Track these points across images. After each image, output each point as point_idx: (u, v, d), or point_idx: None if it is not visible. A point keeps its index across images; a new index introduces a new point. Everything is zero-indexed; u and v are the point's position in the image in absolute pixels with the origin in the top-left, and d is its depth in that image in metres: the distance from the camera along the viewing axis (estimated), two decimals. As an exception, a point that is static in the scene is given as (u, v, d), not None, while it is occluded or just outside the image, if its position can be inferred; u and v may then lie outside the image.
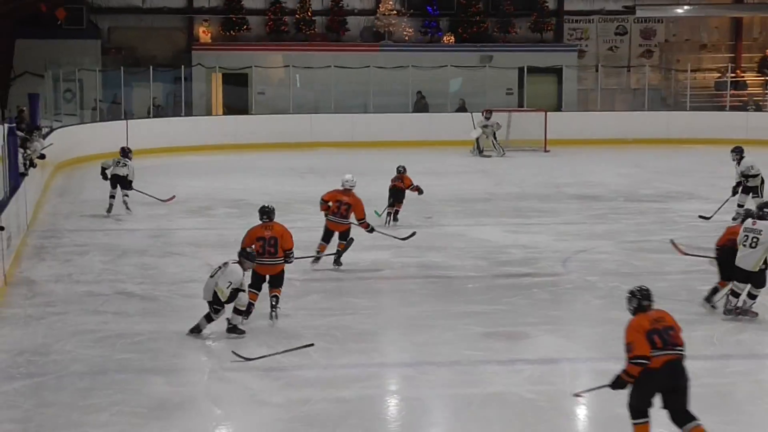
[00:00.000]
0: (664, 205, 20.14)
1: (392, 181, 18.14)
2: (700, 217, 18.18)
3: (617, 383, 8.02)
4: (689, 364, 10.15)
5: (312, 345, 10.64)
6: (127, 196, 19.25)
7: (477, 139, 28.52)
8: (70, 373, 9.91)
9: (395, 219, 17.73)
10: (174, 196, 19.79)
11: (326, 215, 14.54)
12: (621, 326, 11.37)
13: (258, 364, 10.19)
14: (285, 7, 34.15)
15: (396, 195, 17.99)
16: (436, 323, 11.68)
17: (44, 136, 22.58)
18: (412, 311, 12.38)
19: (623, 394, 8.82)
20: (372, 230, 14.86)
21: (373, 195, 21.03)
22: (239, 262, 11.12)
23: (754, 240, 11.69)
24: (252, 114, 32.29)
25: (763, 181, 17.98)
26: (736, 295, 11.89)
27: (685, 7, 35.65)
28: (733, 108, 33.48)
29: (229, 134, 30.09)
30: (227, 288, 10.92)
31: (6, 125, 16.63)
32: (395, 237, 15.72)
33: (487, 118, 28.65)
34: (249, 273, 11.33)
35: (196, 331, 11.17)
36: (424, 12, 34.87)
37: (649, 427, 7.94)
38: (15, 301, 12.75)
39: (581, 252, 15.64)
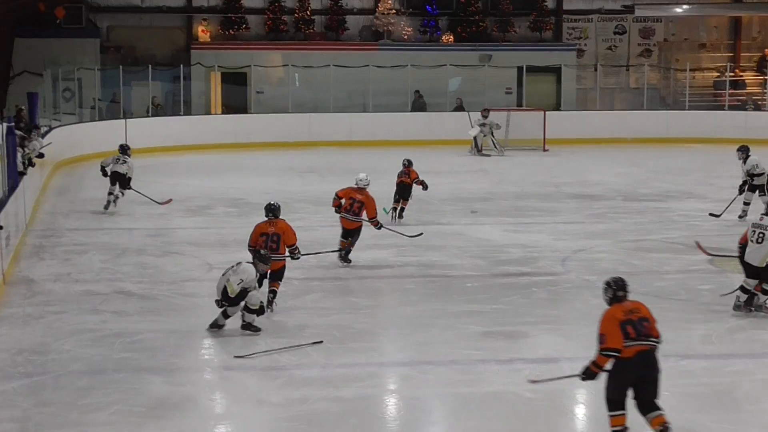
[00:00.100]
0: (662, 204, 20.15)
1: (398, 176, 18.12)
2: (710, 215, 18.23)
3: (587, 374, 8.11)
4: (688, 364, 10.23)
5: (321, 342, 10.73)
6: (122, 194, 19.29)
7: (475, 138, 28.52)
8: (69, 373, 9.91)
9: (400, 216, 17.71)
10: (171, 200, 19.71)
11: (336, 211, 14.65)
12: (620, 325, 11.43)
13: (257, 364, 10.19)
14: (284, 6, 34.12)
15: (403, 191, 17.98)
16: (435, 322, 11.68)
17: (43, 135, 22.59)
18: (411, 310, 12.38)
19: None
20: (380, 227, 14.89)
21: (373, 194, 21.09)
22: (253, 263, 11.15)
23: (761, 236, 11.71)
24: (251, 113, 32.29)
25: None
26: (746, 291, 11.91)
27: (684, 7, 35.63)
28: (731, 107, 33.49)
29: (228, 133, 30.08)
30: (237, 285, 10.96)
31: (5, 124, 16.62)
32: (403, 234, 15.80)
33: (485, 117, 28.65)
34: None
35: (215, 326, 11.22)
36: (423, 11, 34.86)
37: (625, 419, 8.01)
38: (14, 300, 12.74)
39: (580, 251, 15.64)
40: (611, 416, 8.04)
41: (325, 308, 12.32)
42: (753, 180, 18.03)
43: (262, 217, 18.54)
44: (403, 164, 18.35)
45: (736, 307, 11.97)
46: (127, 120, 28.85)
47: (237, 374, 10.02)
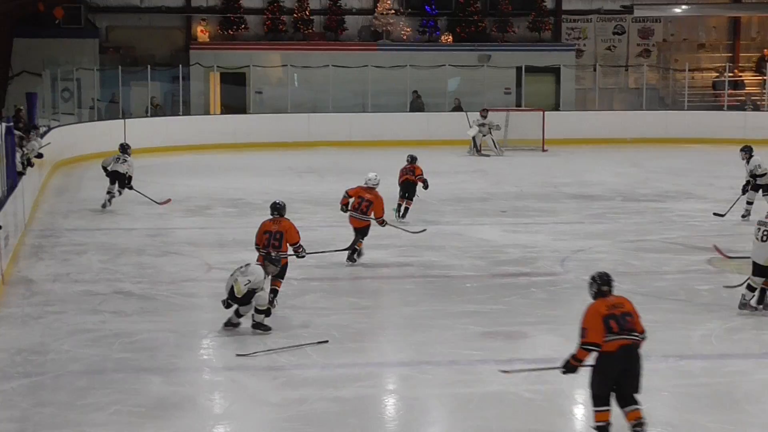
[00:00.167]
0: (662, 204, 20.15)
1: (403, 173, 18.07)
2: (715, 214, 18.27)
3: (567, 367, 8.22)
4: (687, 364, 10.23)
5: (326, 341, 10.75)
6: (119, 193, 19.34)
7: (474, 138, 28.51)
8: (68, 373, 9.91)
9: (403, 216, 17.68)
10: (170, 200, 19.73)
11: (343, 210, 14.77)
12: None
13: (256, 364, 10.19)
14: (283, 7, 34.12)
15: (407, 189, 17.93)
16: (434, 323, 11.67)
17: (42, 136, 22.58)
18: (411, 310, 12.38)
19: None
20: (384, 224, 14.92)
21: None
22: (263, 265, 11.16)
23: (765, 233, 11.71)
24: (250, 113, 32.28)
25: None
26: (752, 289, 11.93)
27: (683, 7, 35.65)
28: (731, 107, 33.51)
29: (227, 133, 30.08)
30: (245, 286, 10.98)
31: (4, 124, 16.62)
32: (407, 230, 15.89)
33: (484, 117, 28.65)
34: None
35: (229, 325, 11.24)
36: (422, 11, 34.87)
37: (609, 414, 8.12)
38: (13, 300, 12.74)
39: (579, 251, 15.64)
40: (596, 411, 8.13)
41: (325, 308, 12.32)
42: (756, 180, 18.07)
43: (261, 218, 18.55)
44: (407, 160, 18.32)
45: (742, 306, 11.98)
46: (126, 120, 28.85)
47: (236, 374, 10.02)
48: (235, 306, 11.18)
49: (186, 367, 10.27)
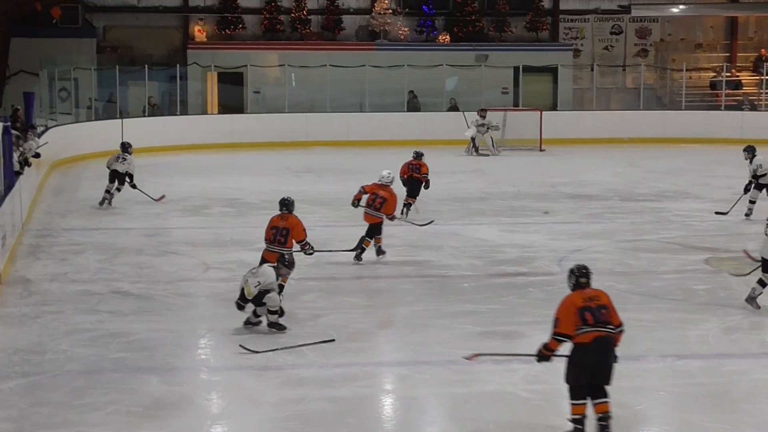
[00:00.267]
0: (659, 204, 20.16)
1: (409, 170, 18.00)
2: (717, 213, 18.32)
3: (540, 356, 8.42)
4: (684, 364, 10.24)
5: (333, 340, 10.78)
6: (118, 191, 19.42)
7: (473, 138, 28.52)
8: (66, 372, 9.90)
9: (406, 215, 17.67)
10: (164, 196, 19.80)
11: (354, 205, 14.96)
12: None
13: (254, 363, 10.18)
14: (280, 6, 34.13)
15: (412, 187, 17.91)
16: (431, 322, 11.68)
17: (39, 135, 22.59)
18: (408, 310, 12.38)
19: (620, 395, 8.86)
20: (393, 218, 15.03)
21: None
22: (276, 268, 11.15)
23: None
24: (247, 113, 32.27)
25: None
26: (764, 285, 11.95)
27: (681, 7, 35.69)
28: (728, 107, 33.53)
29: (225, 133, 30.08)
30: (255, 287, 11.02)
31: (1, 124, 16.62)
32: (413, 223, 16.05)
33: (483, 117, 28.66)
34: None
35: (248, 324, 11.26)
36: (420, 11, 34.89)
37: (585, 408, 8.23)
38: (10, 300, 12.73)
39: (576, 251, 15.64)
40: (572, 404, 8.26)
41: (322, 308, 12.31)
42: (758, 180, 18.18)
43: (258, 217, 18.63)
44: (413, 156, 18.32)
45: (750, 300, 12.01)
46: (124, 120, 28.86)
47: (234, 374, 10.02)
48: (251, 306, 11.24)
49: (183, 367, 10.26)
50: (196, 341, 11.23)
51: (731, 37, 37.06)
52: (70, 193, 21.70)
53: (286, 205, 12.75)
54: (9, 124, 17.78)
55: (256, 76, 32.87)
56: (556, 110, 33.38)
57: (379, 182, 15.02)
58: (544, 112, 30.36)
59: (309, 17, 34.22)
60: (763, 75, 34.35)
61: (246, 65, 32.27)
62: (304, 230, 12.59)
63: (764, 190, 18.23)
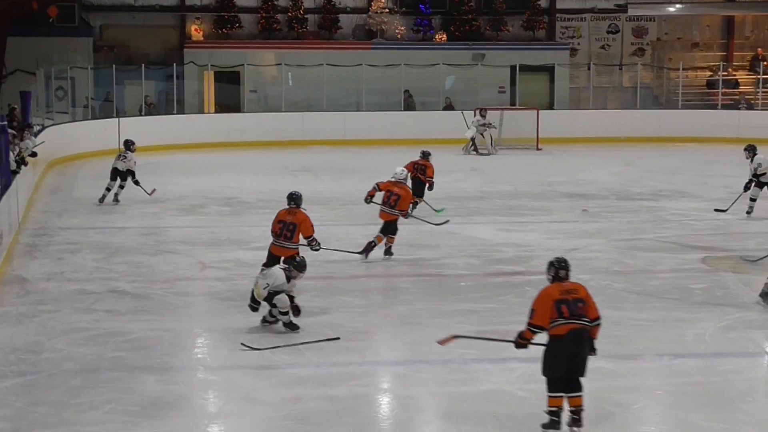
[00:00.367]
0: (655, 203, 20.17)
1: (414, 170, 17.96)
2: (716, 210, 18.39)
3: (517, 344, 8.59)
4: (681, 363, 10.24)
5: (338, 338, 10.79)
6: (121, 188, 19.52)
7: (473, 138, 28.51)
8: (62, 372, 9.89)
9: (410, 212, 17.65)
10: (155, 189, 19.94)
11: (367, 200, 15.10)
12: (614, 324, 11.48)
13: (251, 362, 10.18)
14: (277, 5, 34.14)
15: (416, 188, 17.89)
16: (428, 321, 11.67)
17: (36, 134, 22.57)
18: (405, 309, 12.38)
19: (617, 394, 8.87)
20: (407, 216, 15.14)
21: (365, 193, 21.06)
22: (287, 270, 11.10)
23: None
24: (244, 112, 32.27)
25: None
26: None
27: (678, 6, 35.70)
28: (725, 106, 33.53)
29: (222, 132, 30.06)
30: (264, 289, 11.04)
31: (-2, 123, 16.63)
32: (429, 222, 16.10)
33: (484, 116, 28.69)
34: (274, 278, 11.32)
35: (265, 322, 11.26)
36: (417, 10, 34.90)
37: (562, 401, 8.33)
38: (7, 299, 12.72)
39: (573, 250, 15.63)
40: (549, 396, 8.35)
41: (319, 307, 12.30)
42: (759, 178, 18.32)
43: (255, 216, 18.65)
44: (421, 156, 18.31)
45: (764, 295, 12.08)
46: (120, 119, 28.84)
47: (230, 373, 10.02)
48: (256, 308, 11.29)
49: (180, 366, 10.26)
50: (193, 340, 11.23)
51: (728, 36, 37.10)
52: (66, 192, 21.69)
53: (294, 199, 12.83)
54: (6, 123, 17.75)
55: (252, 75, 32.87)
56: (553, 109, 33.41)
57: (394, 179, 15.10)
58: (540, 111, 30.40)
59: (306, 16, 34.23)
60: (759, 74, 34.37)
61: (243, 64, 32.29)
62: (312, 226, 12.71)
63: (765, 189, 18.31)
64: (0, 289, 13.12)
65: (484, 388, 9.49)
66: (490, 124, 28.67)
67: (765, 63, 34.79)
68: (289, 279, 11.10)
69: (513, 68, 33.12)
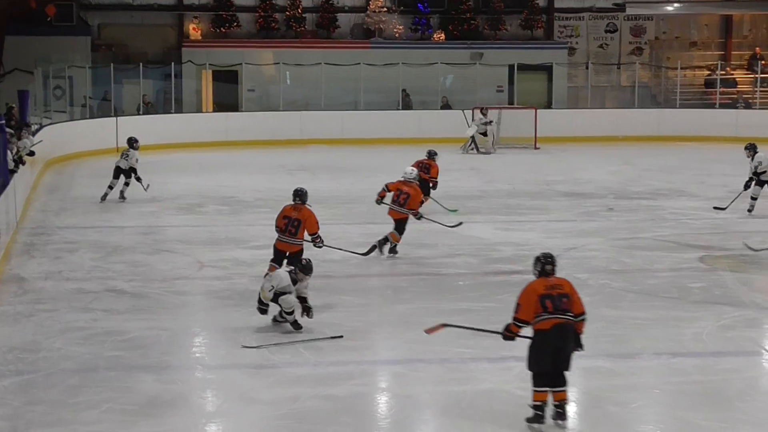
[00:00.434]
0: (654, 202, 20.17)
1: (418, 169, 17.90)
2: (715, 208, 18.45)
3: (504, 336, 8.70)
4: (679, 362, 10.24)
5: (341, 337, 10.81)
6: (127, 185, 19.68)
7: (473, 136, 28.52)
8: (60, 371, 9.88)
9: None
10: (149, 185, 19.93)
11: (378, 201, 15.22)
12: (612, 323, 11.50)
13: (249, 362, 10.17)
14: (275, 4, 34.14)
15: (421, 187, 17.85)
16: (426, 320, 11.58)
17: (34, 133, 22.55)
18: (403, 308, 12.37)
19: (615, 393, 8.86)
20: (420, 217, 15.17)
21: (363, 192, 21.09)
22: (293, 273, 11.06)
23: None
24: (242, 111, 32.27)
25: None
26: None
27: (675, 5, 35.73)
28: (723, 105, 33.57)
29: (220, 131, 30.07)
30: (269, 291, 11.04)
31: (-5, 122, 16.62)
32: (443, 224, 16.11)
33: (485, 115, 28.71)
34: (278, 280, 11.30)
35: (276, 321, 11.24)
36: (415, 9, 34.90)
37: (546, 395, 8.46)
38: (4, 298, 12.71)
39: (572, 249, 15.64)
40: (534, 391, 8.47)
41: (317, 306, 12.27)
42: (759, 177, 18.36)
43: (252, 215, 18.66)
44: (427, 155, 18.31)
45: None
46: (118, 118, 28.85)
47: (228, 372, 10.01)
48: (264, 310, 11.28)
49: (178, 365, 10.25)
50: (191, 339, 11.23)
51: (726, 35, 37.11)
52: (64, 192, 21.68)
53: (300, 195, 12.86)
54: (3, 122, 17.72)
55: (250, 74, 32.87)
56: (551, 108, 33.41)
57: (403, 179, 15.17)
58: (539, 111, 30.42)
59: (304, 15, 34.23)
60: (757, 73, 34.39)
61: (241, 63, 32.30)
62: (317, 223, 12.77)
63: (765, 187, 18.39)
64: (-2, 289, 13.11)
65: (482, 387, 9.48)
66: (492, 122, 28.71)
67: (763, 62, 34.85)
68: (294, 281, 11.05)
69: (511, 67, 33.11)
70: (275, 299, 11.04)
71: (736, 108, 33.62)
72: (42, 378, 9.70)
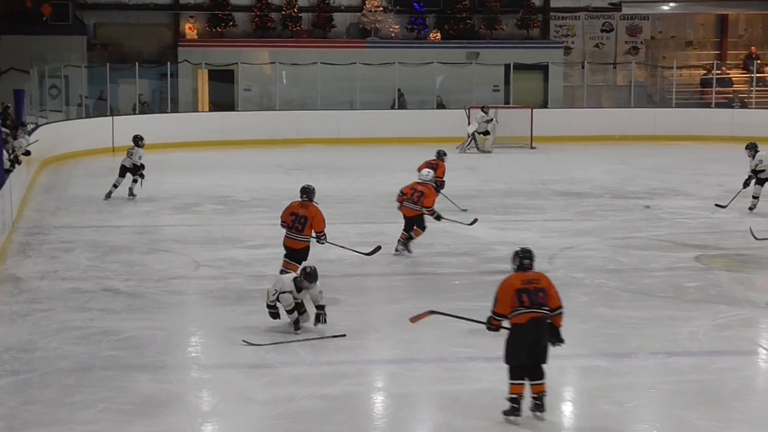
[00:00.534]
0: (650, 201, 20.17)
1: (425, 167, 17.96)
2: (716, 205, 18.49)
3: (488, 327, 8.89)
4: (675, 361, 10.25)
5: (344, 335, 10.84)
6: (135, 182, 19.80)
7: (474, 135, 28.50)
8: (56, 370, 9.87)
9: None
10: (139, 187, 20.12)
11: (399, 208, 15.21)
12: (608, 323, 11.51)
13: (244, 361, 10.17)
14: (271, 4, 34.11)
15: None
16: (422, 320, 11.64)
17: (30, 133, 22.51)
18: (399, 308, 12.36)
19: (611, 392, 8.87)
20: (439, 217, 15.33)
21: (359, 192, 21.12)
22: (298, 281, 11.02)
23: None
24: (238, 111, 32.25)
25: None
26: None
27: (671, 4, 35.75)
28: (718, 105, 33.60)
29: (216, 131, 30.05)
30: (273, 295, 11.08)
31: (-9, 121, 16.62)
32: (461, 223, 16.22)
33: (486, 113, 28.72)
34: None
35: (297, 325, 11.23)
36: (411, 9, 34.88)
37: (523, 388, 8.59)
38: (0, 297, 12.70)
39: (568, 249, 15.66)
40: (511, 384, 8.59)
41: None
42: (758, 175, 18.54)
43: (249, 215, 18.66)
44: (436, 155, 18.36)
45: None
46: (114, 117, 28.83)
47: (224, 372, 10.01)
48: (273, 313, 11.25)
49: (174, 365, 10.25)
50: (187, 339, 11.23)
51: (721, 34, 37.13)
52: (60, 191, 21.66)
53: (307, 192, 13.00)
54: (-1, 121, 17.75)
55: (246, 73, 32.84)
56: (547, 108, 33.40)
57: (420, 180, 15.39)
58: (534, 110, 30.39)
59: (300, 15, 34.21)
60: (753, 72, 34.42)
61: (237, 63, 32.26)
62: (323, 221, 12.89)
63: (765, 185, 18.58)
64: (-7, 288, 13.10)
65: (479, 387, 9.49)
66: (492, 120, 28.72)
67: (758, 61, 34.90)
68: (300, 289, 11.01)
69: (507, 67, 33.13)
70: (277, 298, 11.07)
71: (732, 107, 33.66)
72: (38, 378, 9.69)
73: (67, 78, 30.14)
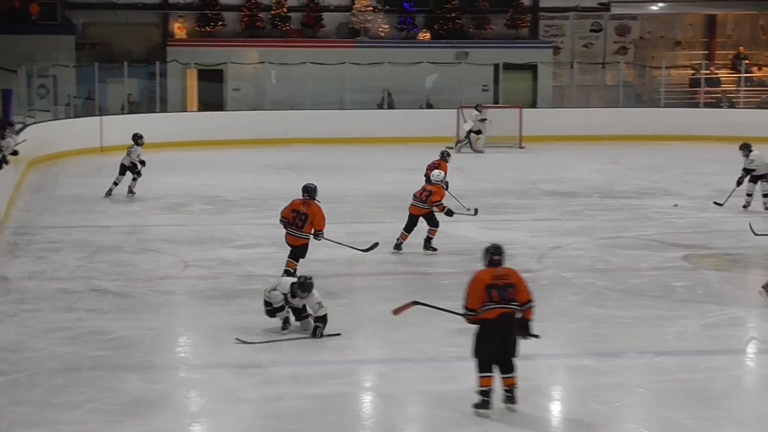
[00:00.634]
0: (638, 201, 20.22)
1: (428, 168, 17.98)
2: (715, 203, 18.60)
3: (467, 320, 8.92)
4: (663, 360, 10.27)
5: (339, 335, 10.87)
6: (134, 180, 20.12)
7: (468, 135, 28.50)
8: (44, 371, 9.84)
9: None
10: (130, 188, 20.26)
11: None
12: (596, 322, 11.52)
13: (233, 361, 10.16)
14: (260, 3, 34.10)
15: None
16: (411, 320, 11.60)
17: (17, 133, 22.43)
18: (388, 308, 12.30)
19: (599, 392, 8.87)
20: (450, 212, 15.47)
21: (349, 191, 21.10)
22: (293, 285, 10.98)
23: None
24: (227, 110, 32.21)
25: None
26: None
27: (660, 4, 35.83)
28: (707, 105, 33.68)
29: (205, 130, 30.01)
30: (268, 291, 11.09)
31: (-21, 121, 16.57)
32: (468, 213, 16.74)
33: (480, 111, 28.74)
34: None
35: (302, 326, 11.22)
36: (400, 8, 34.90)
37: (492, 381, 8.74)
38: (-12, 298, 12.67)
39: (556, 248, 15.67)
40: (480, 377, 8.76)
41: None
42: (751, 173, 18.75)
43: (238, 215, 18.64)
44: (440, 155, 18.42)
45: (766, 287, 12.16)
46: (103, 117, 28.76)
47: (213, 372, 9.99)
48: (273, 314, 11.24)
49: (163, 365, 10.23)
50: (176, 339, 11.21)
51: (710, 34, 37.23)
52: (48, 191, 21.60)
53: (309, 191, 13.31)
54: (-13, 121, 17.71)
55: (236, 73, 32.81)
56: (536, 107, 33.44)
57: (432, 181, 15.60)
58: (524, 110, 30.43)
59: (289, 14, 34.20)
60: (741, 72, 34.50)
61: (226, 62, 32.23)
62: (324, 219, 13.23)
63: (761, 182, 18.76)
64: (-19, 288, 13.05)
65: (467, 386, 9.45)
66: (486, 119, 28.75)
67: (747, 61, 34.97)
68: (294, 295, 10.98)
69: (496, 66, 33.17)
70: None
71: (720, 107, 33.75)
72: (25, 378, 9.67)
73: (55, 77, 30.07)
